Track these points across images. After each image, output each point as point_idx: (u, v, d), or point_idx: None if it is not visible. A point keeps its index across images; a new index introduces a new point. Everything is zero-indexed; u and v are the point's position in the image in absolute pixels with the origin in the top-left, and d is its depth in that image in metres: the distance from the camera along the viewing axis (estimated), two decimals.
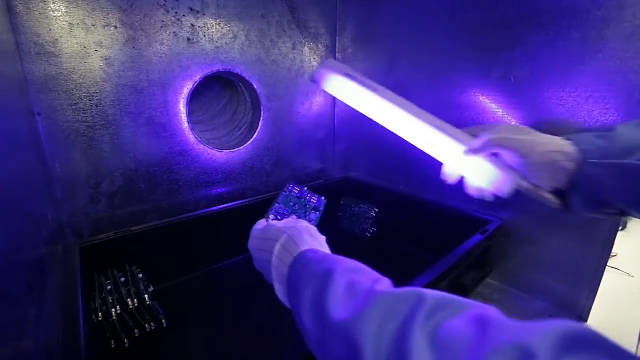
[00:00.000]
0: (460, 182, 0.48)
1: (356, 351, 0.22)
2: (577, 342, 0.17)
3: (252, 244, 0.42)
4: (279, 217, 0.48)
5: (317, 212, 0.50)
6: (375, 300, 0.24)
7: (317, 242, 0.38)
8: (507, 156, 0.40)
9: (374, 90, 0.45)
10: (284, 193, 0.51)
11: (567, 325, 0.18)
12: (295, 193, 0.51)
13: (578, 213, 0.39)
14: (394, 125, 0.46)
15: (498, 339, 0.18)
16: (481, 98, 0.64)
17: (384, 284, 0.28)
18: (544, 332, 0.18)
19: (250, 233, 0.44)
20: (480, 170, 0.42)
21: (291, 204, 0.50)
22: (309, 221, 0.48)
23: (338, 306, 0.26)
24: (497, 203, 0.45)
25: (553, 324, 0.18)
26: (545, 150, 0.37)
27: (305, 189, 0.52)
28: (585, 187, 0.36)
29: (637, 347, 0.52)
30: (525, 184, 0.40)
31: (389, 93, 0.46)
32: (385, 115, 0.46)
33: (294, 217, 0.48)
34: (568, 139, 0.39)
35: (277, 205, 0.50)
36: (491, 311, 0.21)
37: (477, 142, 0.40)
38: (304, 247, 0.35)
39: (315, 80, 0.49)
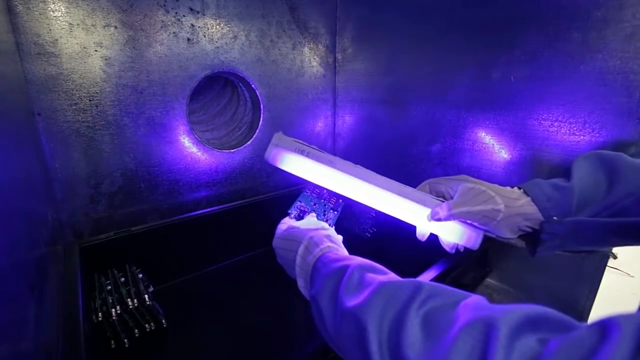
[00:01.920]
0: None
1: (363, 329, 0.27)
2: (538, 321, 0.20)
3: (277, 242, 0.45)
4: (301, 215, 0.50)
5: (335, 212, 0.52)
6: (380, 289, 0.28)
7: (335, 245, 0.41)
8: (479, 219, 0.42)
9: (329, 163, 0.45)
10: (304, 193, 0.53)
11: (533, 307, 0.21)
12: (315, 194, 0.53)
13: (543, 255, 0.42)
14: (355, 194, 0.46)
15: (472, 316, 0.22)
16: (480, 98, 0.64)
17: (390, 276, 0.32)
18: (511, 311, 0.21)
19: (275, 232, 0.47)
20: (449, 229, 0.44)
21: (312, 203, 0.52)
22: (327, 220, 0.50)
23: (350, 296, 0.30)
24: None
25: (522, 306, 0.21)
26: (504, 217, 0.40)
27: (325, 190, 0.54)
28: (547, 240, 0.39)
29: None
30: (492, 236, 0.43)
31: (344, 163, 0.45)
32: (343, 187, 0.46)
33: (314, 215, 0.50)
34: (525, 193, 0.41)
35: (298, 203, 0.52)
36: (476, 298, 0.24)
37: (440, 212, 0.42)
38: (325, 250, 0.39)
39: (269, 161, 0.47)
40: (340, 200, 0.53)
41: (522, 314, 0.20)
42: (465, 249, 0.45)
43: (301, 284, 0.40)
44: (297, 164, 0.47)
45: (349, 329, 0.28)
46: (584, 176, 0.40)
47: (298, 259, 0.40)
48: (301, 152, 0.46)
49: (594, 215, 0.39)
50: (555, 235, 0.39)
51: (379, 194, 0.45)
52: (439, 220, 0.42)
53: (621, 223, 0.35)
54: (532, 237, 0.41)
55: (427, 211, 0.43)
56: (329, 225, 0.49)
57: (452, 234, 0.44)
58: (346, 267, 0.33)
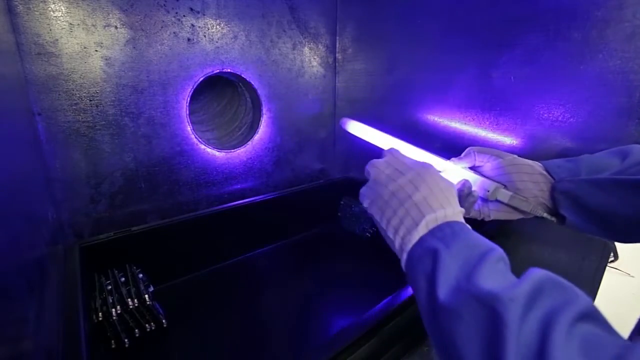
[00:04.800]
0: None
1: (498, 318, 0.21)
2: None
3: (374, 172, 0.35)
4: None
5: None
6: (532, 278, 0.23)
7: (458, 208, 0.31)
8: (487, 164, 0.44)
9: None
10: None
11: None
12: None
13: (575, 229, 0.40)
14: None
15: None
16: (481, 98, 0.64)
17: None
18: None
19: (371, 162, 0.37)
20: (464, 178, 0.45)
21: None
22: None
23: (492, 279, 0.24)
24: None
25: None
26: (517, 163, 0.42)
27: None
28: (561, 199, 0.39)
29: None
30: (509, 194, 0.41)
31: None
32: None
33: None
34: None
35: None
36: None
37: (463, 153, 0.46)
38: (449, 209, 0.30)
39: (342, 125, 0.57)
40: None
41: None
42: (481, 200, 0.44)
43: (395, 241, 0.31)
44: (359, 128, 0.54)
45: (475, 311, 0.22)
46: (596, 155, 0.41)
47: (401, 213, 0.30)
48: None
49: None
50: (569, 194, 0.38)
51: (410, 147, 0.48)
52: (460, 159, 0.45)
53: (631, 180, 0.34)
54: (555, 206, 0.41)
55: (448, 164, 0.46)
56: None
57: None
58: (491, 248, 0.26)
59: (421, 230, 0.29)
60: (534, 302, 0.21)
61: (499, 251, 0.26)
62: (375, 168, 0.35)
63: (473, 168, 0.46)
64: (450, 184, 0.32)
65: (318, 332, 0.54)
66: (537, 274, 0.23)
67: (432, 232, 0.29)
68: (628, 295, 0.66)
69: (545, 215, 0.41)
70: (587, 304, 0.22)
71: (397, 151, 0.36)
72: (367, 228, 0.80)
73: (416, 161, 0.34)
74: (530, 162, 0.42)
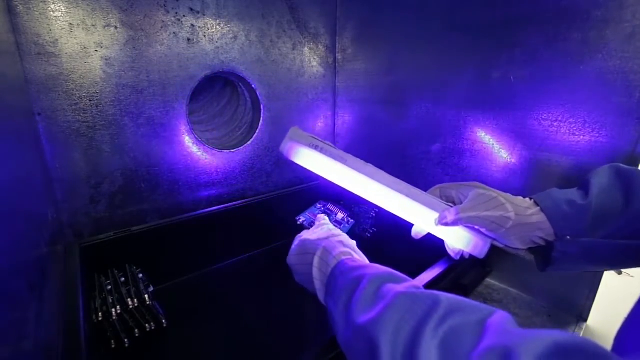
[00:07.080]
0: None
1: (375, 348, 0.24)
2: (568, 352, 0.17)
3: (291, 260, 0.43)
4: (308, 224, 0.51)
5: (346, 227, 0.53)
6: (396, 302, 0.26)
7: (349, 249, 0.40)
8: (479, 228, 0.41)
9: (340, 160, 0.45)
10: (316, 206, 0.54)
11: (564, 335, 0.18)
12: (327, 210, 0.54)
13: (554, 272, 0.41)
14: (364, 193, 0.46)
15: (487, 344, 0.20)
16: (480, 98, 0.64)
17: (409, 285, 0.30)
18: (533, 338, 0.18)
19: (290, 249, 0.45)
20: (456, 235, 0.43)
21: (317, 212, 0.53)
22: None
23: (363, 310, 0.28)
24: None
25: (547, 332, 0.19)
26: (514, 225, 0.38)
27: (337, 206, 0.55)
28: (559, 259, 0.38)
29: None
30: (500, 245, 0.42)
31: (356, 161, 0.45)
32: (353, 184, 0.46)
33: (326, 219, 0.50)
34: (537, 204, 0.39)
35: (308, 212, 0.53)
36: (500, 317, 0.22)
37: (448, 216, 0.40)
38: (340, 257, 0.38)
39: (284, 154, 0.48)
40: (352, 221, 0.54)
41: (549, 342, 0.18)
42: (471, 256, 0.44)
43: (322, 297, 0.37)
44: (310, 159, 0.47)
45: (360, 346, 0.27)
46: (600, 193, 0.38)
47: (315, 272, 0.38)
48: (315, 148, 0.46)
49: (608, 236, 0.36)
50: (568, 254, 0.37)
51: (388, 194, 0.44)
52: (446, 224, 0.40)
53: (632, 245, 0.34)
54: (543, 252, 0.40)
55: (435, 215, 0.42)
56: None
57: (459, 240, 0.43)
58: (361, 277, 0.31)
59: (320, 294, 0.37)
60: (401, 321, 0.25)
61: (366, 277, 0.31)
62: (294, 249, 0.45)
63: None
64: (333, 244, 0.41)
65: (319, 331, 0.54)
66: (390, 295, 0.27)
67: (326, 290, 0.36)
68: (628, 295, 0.66)
69: (532, 260, 0.42)
70: (448, 303, 0.24)
71: (303, 240, 0.44)
72: (367, 228, 0.80)
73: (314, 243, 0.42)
74: (533, 217, 0.38)
